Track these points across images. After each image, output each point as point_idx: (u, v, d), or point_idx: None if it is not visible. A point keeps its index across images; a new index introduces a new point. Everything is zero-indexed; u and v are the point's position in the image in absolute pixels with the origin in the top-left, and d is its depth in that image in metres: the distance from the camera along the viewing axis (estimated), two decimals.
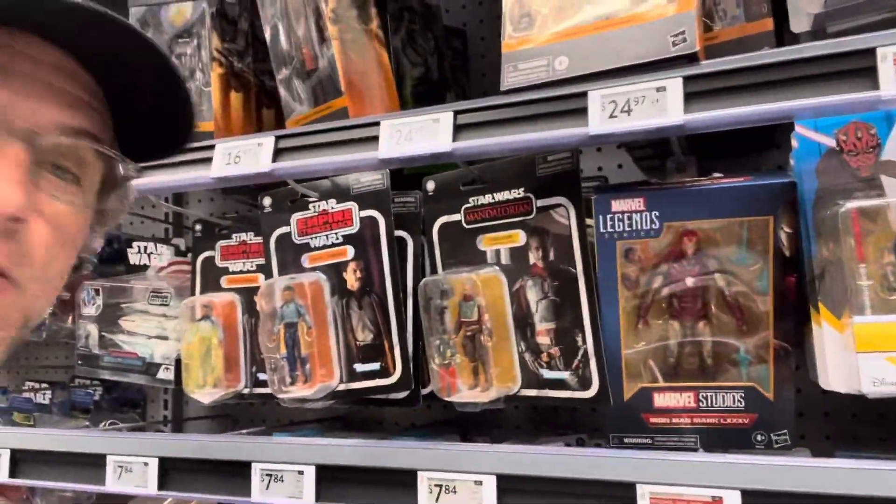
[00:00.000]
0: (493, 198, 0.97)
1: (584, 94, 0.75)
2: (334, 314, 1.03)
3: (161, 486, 0.91)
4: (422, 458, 0.79)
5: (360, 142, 0.86)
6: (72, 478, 1.00)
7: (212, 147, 0.95)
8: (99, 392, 1.65)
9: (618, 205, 0.84)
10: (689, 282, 0.84)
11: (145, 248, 1.48)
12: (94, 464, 0.97)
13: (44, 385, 1.58)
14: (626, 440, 0.88)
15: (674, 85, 0.71)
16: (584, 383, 0.88)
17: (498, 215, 0.96)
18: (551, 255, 0.92)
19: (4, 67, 0.47)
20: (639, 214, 0.83)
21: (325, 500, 0.83)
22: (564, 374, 0.89)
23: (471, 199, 0.97)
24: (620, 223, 0.84)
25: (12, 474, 1.04)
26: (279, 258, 1.09)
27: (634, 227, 0.84)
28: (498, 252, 0.96)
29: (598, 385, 0.87)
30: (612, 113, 0.73)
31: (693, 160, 0.91)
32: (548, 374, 0.91)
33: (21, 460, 1.04)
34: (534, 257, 0.94)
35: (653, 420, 0.87)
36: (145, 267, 1.49)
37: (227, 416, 1.58)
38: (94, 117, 0.53)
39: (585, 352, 0.88)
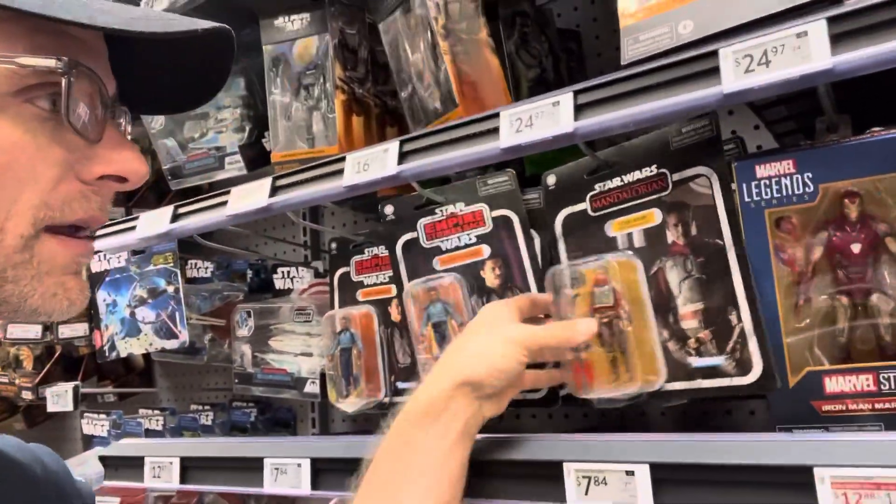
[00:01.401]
0: (622, 180, 0.91)
1: (713, 53, 0.71)
2: (474, 312, 1.02)
3: (314, 486, 0.93)
4: (567, 449, 0.76)
5: (480, 135, 0.87)
6: (234, 481, 1.06)
7: (342, 159, 1.00)
8: (254, 413, 1.75)
9: (763, 170, 0.77)
10: (856, 249, 0.75)
11: (288, 272, 1.58)
12: (252, 467, 1.03)
13: (206, 407, 1.71)
14: (795, 431, 0.79)
15: (816, 28, 0.65)
16: (744, 367, 0.79)
17: (629, 197, 0.91)
18: (693, 230, 0.85)
19: (91, 48, 0.51)
20: (789, 178, 0.76)
21: (472, 497, 0.82)
22: (719, 360, 0.81)
23: (596, 186, 0.93)
24: (768, 189, 0.77)
25: (182, 480, 1.12)
26: (408, 264, 1.11)
27: (785, 193, 0.77)
28: (630, 236, 0.91)
29: (762, 366, 0.78)
30: (747, 67, 0.68)
31: (847, 119, 0.82)
32: (698, 361, 0.82)
33: (189, 467, 1.12)
34: (672, 235, 0.86)
35: (825, 408, 0.77)
36: (289, 290, 1.59)
37: (368, 431, 1.62)
38: None
39: (742, 331, 0.79)
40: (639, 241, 0.90)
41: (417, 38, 1.09)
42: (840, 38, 0.64)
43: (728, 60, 0.69)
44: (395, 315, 1.22)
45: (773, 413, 0.81)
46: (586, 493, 0.73)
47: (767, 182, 0.77)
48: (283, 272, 1.60)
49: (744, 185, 0.78)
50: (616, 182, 0.92)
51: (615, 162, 0.93)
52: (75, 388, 1.49)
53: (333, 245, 1.34)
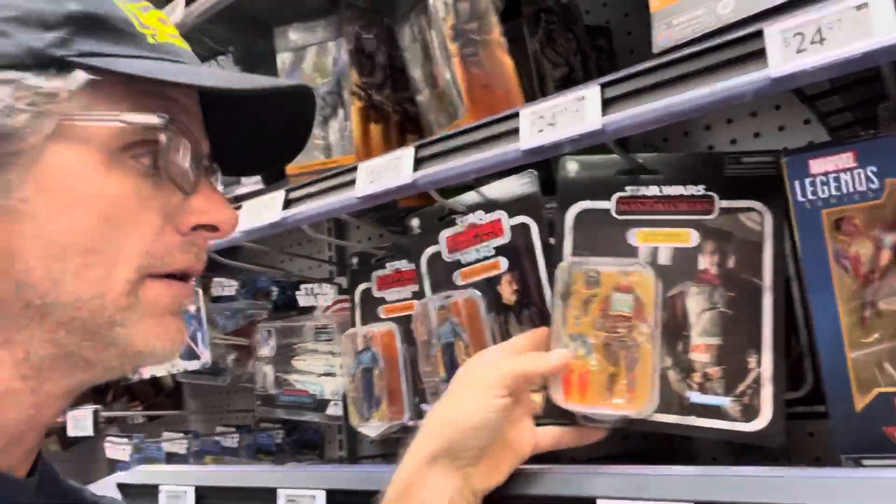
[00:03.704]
0: (661, 190, 0.84)
1: (758, 34, 0.63)
2: (492, 331, 0.95)
3: None
4: (603, 483, 0.68)
5: (499, 137, 0.80)
6: None
7: (354, 169, 0.94)
8: (281, 435, 1.70)
9: (818, 165, 0.68)
10: None
11: (311, 289, 1.53)
12: (266, 498, 0.97)
13: (231, 429, 1.67)
14: (864, 462, 0.69)
15: None
16: (750, 413, 0.72)
17: (665, 210, 0.83)
18: (730, 263, 0.79)
19: (187, 108, 0.54)
20: (849, 173, 0.67)
21: None
22: (723, 400, 0.74)
23: (628, 188, 0.85)
24: (825, 187, 0.68)
25: None
26: (431, 279, 1.05)
27: (845, 190, 0.67)
28: (655, 250, 0.82)
29: (771, 417, 0.71)
30: (798, 47, 0.60)
31: None
32: (697, 397, 0.75)
33: (204, 496, 1.07)
34: (706, 262, 0.80)
35: None
36: (313, 308, 1.54)
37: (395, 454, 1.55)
38: None
39: (758, 376, 0.73)
40: (664, 259, 0.82)
41: (431, 40, 1.03)
42: None
43: (775, 40, 0.61)
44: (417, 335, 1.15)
45: (837, 441, 0.71)
46: None
47: (824, 179, 0.68)
48: (306, 289, 1.55)
49: (796, 184, 0.69)
50: (653, 190, 0.84)
51: (653, 169, 0.85)
52: (95, 413, 1.46)
53: (355, 260, 1.28)
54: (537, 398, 0.78)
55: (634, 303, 0.77)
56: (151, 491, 1.12)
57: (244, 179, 1.30)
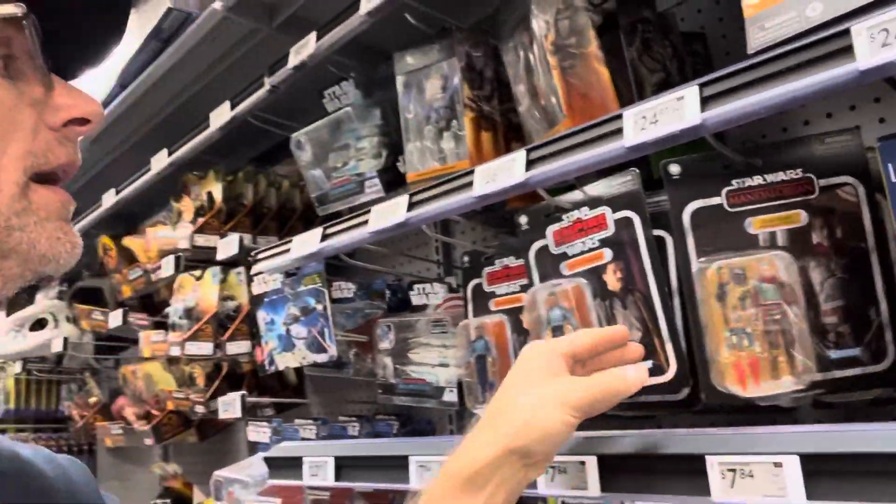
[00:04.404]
0: (765, 179, 0.93)
1: (845, 32, 0.69)
2: (598, 316, 1.04)
3: None
4: (710, 442, 0.75)
5: (604, 137, 0.89)
6: (382, 479, 1.13)
7: (471, 172, 1.06)
8: (396, 426, 1.84)
9: None
10: None
11: (424, 289, 1.66)
12: (398, 465, 1.09)
13: (353, 419, 1.83)
14: None
15: None
16: (878, 356, 0.83)
17: (772, 197, 0.92)
18: (838, 233, 0.88)
19: None
20: None
21: (609, 491, 0.82)
22: (855, 351, 0.84)
23: (734, 182, 0.93)
24: None
25: (337, 478, 1.21)
26: (539, 270, 1.15)
27: None
28: (773, 234, 0.91)
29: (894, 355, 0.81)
30: (884, 41, 0.66)
31: None
32: (836, 353, 0.85)
33: (343, 466, 1.21)
34: (818, 237, 0.89)
35: None
36: (425, 306, 1.67)
37: None
38: None
39: (880, 324, 0.83)
40: (782, 240, 0.91)
41: (533, 55, 1.14)
42: None
43: (861, 36, 0.67)
44: (526, 322, 1.25)
45: None
46: (732, 486, 0.72)
47: None
48: (419, 289, 1.69)
49: (889, 166, 0.75)
50: (757, 180, 0.92)
51: (751, 161, 0.92)
52: (242, 397, 1.65)
53: (466, 258, 1.40)
54: None
55: (780, 289, 0.86)
56: (296, 463, 1.27)
57: (366, 189, 1.45)
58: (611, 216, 1.05)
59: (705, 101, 0.79)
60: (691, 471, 0.75)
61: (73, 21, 0.55)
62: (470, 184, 1.06)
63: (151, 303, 2.54)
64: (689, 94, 0.80)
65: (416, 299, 1.70)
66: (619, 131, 0.86)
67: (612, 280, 1.05)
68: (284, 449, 1.35)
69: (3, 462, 0.60)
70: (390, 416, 1.87)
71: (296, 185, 2.14)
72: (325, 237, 1.33)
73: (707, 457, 0.74)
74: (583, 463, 0.85)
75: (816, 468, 0.67)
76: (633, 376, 0.74)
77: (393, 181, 1.44)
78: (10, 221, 0.49)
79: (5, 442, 0.63)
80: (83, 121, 0.53)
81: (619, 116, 0.87)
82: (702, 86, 0.80)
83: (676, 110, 0.80)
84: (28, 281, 0.53)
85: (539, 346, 0.79)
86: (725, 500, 0.72)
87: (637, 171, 1.03)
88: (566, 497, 0.86)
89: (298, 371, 2.20)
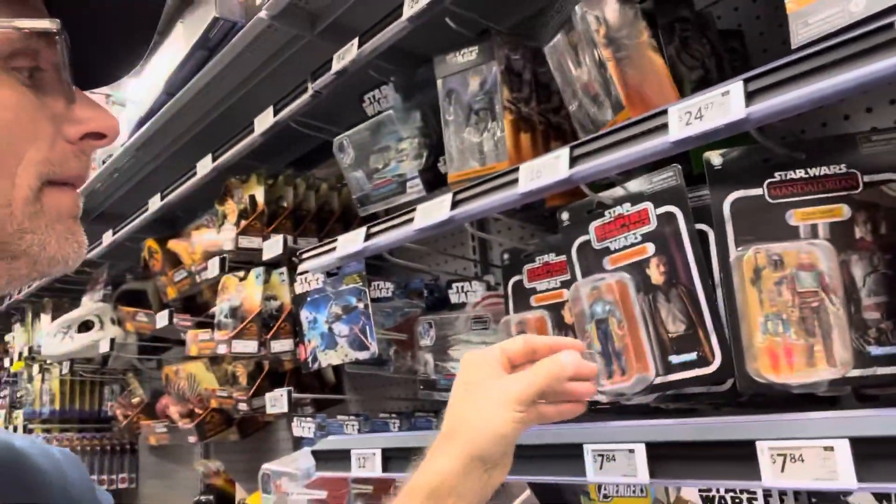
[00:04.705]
0: (807, 172, 0.94)
1: (888, 27, 0.71)
2: (642, 310, 1.06)
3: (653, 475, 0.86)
4: (760, 428, 0.77)
5: (648, 133, 0.92)
6: None
7: (516, 170, 1.09)
8: (435, 422, 1.87)
9: None
10: None
11: (462, 287, 1.69)
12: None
13: (393, 415, 1.86)
14: None
15: None
16: None
17: (815, 190, 0.94)
18: (882, 229, 0.88)
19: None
20: None
21: (659, 478, 0.84)
22: None
23: (776, 174, 0.94)
24: None
25: (384, 469, 1.25)
26: (581, 265, 1.17)
27: None
28: (815, 227, 0.92)
29: None
30: None
31: None
32: (876, 350, 0.84)
33: (389, 458, 1.25)
34: (861, 231, 0.90)
35: None
36: (464, 304, 1.70)
37: None
38: None
39: None
40: (824, 233, 0.92)
41: (581, 53, 1.16)
42: None
43: None
44: (567, 318, 1.27)
45: None
46: (782, 471, 0.73)
47: None
48: (457, 287, 1.72)
49: None
50: (800, 173, 0.93)
51: (794, 154, 0.94)
52: (289, 393, 1.70)
53: (506, 256, 1.43)
54: (548, 410, 0.79)
55: (819, 278, 0.87)
56: (343, 455, 1.31)
57: (408, 189, 1.49)
58: (653, 211, 1.07)
59: (750, 96, 0.81)
60: (741, 456, 0.77)
61: (104, 34, 0.57)
62: (514, 181, 1.09)
63: (193, 304, 2.62)
64: (735, 89, 0.82)
65: (454, 297, 1.73)
66: (663, 127, 0.89)
67: (656, 274, 1.07)
68: (332, 442, 1.39)
69: None
70: (429, 412, 1.91)
71: (333, 188, 2.19)
72: (368, 236, 1.37)
73: (757, 442, 0.76)
74: (632, 451, 0.87)
75: (867, 451, 0.68)
76: (565, 357, 0.76)
77: (434, 181, 1.48)
78: (23, 225, 0.50)
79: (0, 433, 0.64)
80: (100, 135, 0.55)
81: (664, 112, 0.89)
82: (746, 81, 0.82)
83: (722, 105, 0.82)
84: (33, 280, 0.55)
85: (473, 356, 0.82)
86: (776, 484, 0.74)
87: (679, 166, 1.05)
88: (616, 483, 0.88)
89: (336, 370, 2.25)
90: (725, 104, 0.82)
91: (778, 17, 1.46)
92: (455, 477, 0.73)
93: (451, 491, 0.72)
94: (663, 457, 0.85)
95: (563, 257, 1.27)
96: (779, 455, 0.74)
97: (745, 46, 1.40)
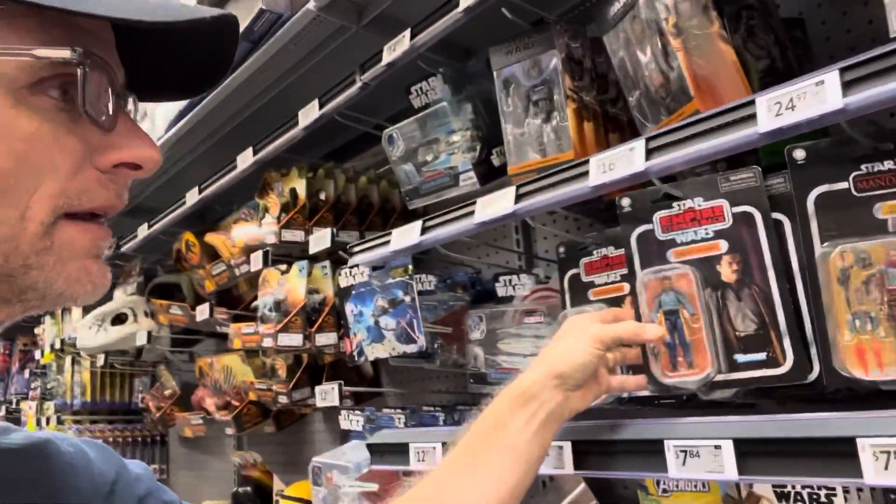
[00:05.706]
0: None
1: None
2: (707, 305, 1.04)
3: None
4: (859, 425, 0.75)
5: (732, 124, 0.90)
6: None
7: (585, 162, 1.08)
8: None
9: None
10: None
11: (510, 280, 1.68)
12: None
13: (437, 408, 1.86)
14: None
15: None
16: None
17: None
18: None
19: (101, 38, 0.52)
20: None
21: (748, 474, 0.83)
22: None
23: (863, 167, 0.92)
24: None
25: None
26: (641, 254, 1.15)
27: None
28: None
29: None
30: None
31: None
32: None
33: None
34: None
35: None
36: (511, 297, 1.69)
37: None
38: None
39: None
40: None
41: (645, 42, 1.14)
42: None
43: None
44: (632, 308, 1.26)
45: None
46: (886, 468, 0.72)
47: None
48: (504, 280, 1.71)
49: None
50: (888, 165, 0.91)
51: (880, 145, 0.92)
52: (339, 385, 1.70)
53: (562, 249, 1.41)
54: (612, 356, 1.02)
55: None
56: (402, 448, 1.31)
57: (461, 182, 1.48)
58: (728, 209, 1.05)
59: (847, 86, 0.79)
60: (839, 453, 0.76)
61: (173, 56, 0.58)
62: (584, 174, 1.07)
63: (228, 297, 2.63)
64: (830, 78, 0.80)
65: (501, 290, 1.72)
66: (751, 117, 0.87)
67: (727, 272, 1.05)
68: (387, 435, 1.38)
69: (24, 441, 0.63)
70: (470, 407, 1.90)
71: (373, 181, 2.18)
72: (425, 230, 1.36)
73: (858, 439, 0.74)
74: (718, 447, 0.86)
75: None
76: (650, 329, 1.01)
77: (487, 174, 1.46)
78: (29, 260, 0.49)
79: (23, 430, 0.65)
80: (136, 166, 0.53)
81: (751, 103, 0.87)
82: (843, 70, 0.80)
83: (816, 94, 0.80)
84: (45, 310, 0.54)
85: (577, 317, 1.04)
86: (879, 482, 0.72)
87: (759, 168, 1.03)
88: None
89: (374, 363, 2.24)
90: (820, 94, 0.80)
91: (840, 5, 1.43)
92: (537, 385, 0.89)
93: (534, 397, 0.88)
94: (751, 453, 0.84)
95: (622, 251, 1.26)
96: (882, 452, 0.72)
97: (806, 35, 1.37)
